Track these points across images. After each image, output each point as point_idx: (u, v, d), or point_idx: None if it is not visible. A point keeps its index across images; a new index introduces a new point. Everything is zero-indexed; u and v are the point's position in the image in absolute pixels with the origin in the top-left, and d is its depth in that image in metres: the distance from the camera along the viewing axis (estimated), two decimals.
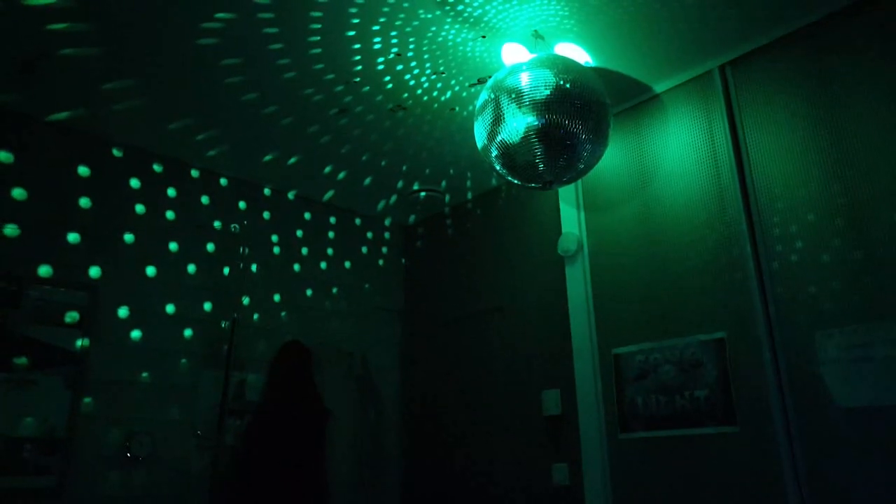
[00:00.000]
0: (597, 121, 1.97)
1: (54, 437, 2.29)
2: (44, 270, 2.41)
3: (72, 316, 2.43)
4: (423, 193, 3.20)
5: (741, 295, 2.03)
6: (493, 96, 1.99)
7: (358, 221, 3.50)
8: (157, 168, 2.80)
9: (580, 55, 2.22)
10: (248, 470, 2.41)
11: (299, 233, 3.22)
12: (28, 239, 2.39)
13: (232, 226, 2.95)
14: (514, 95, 1.93)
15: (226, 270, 2.89)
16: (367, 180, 3.11)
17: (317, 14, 1.99)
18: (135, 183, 2.72)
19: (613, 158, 2.53)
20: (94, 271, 2.53)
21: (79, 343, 2.42)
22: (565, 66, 1.96)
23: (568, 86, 1.91)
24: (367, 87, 2.37)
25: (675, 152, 2.34)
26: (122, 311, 2.56)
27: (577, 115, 1.92)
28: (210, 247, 2.87)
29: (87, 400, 2.40)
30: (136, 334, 2.58)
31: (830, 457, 1.76)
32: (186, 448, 2.59)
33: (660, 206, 2.33)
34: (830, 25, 2.00)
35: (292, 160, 2.90)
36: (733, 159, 2.14)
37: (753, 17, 2.03)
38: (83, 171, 2.59)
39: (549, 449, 2.54)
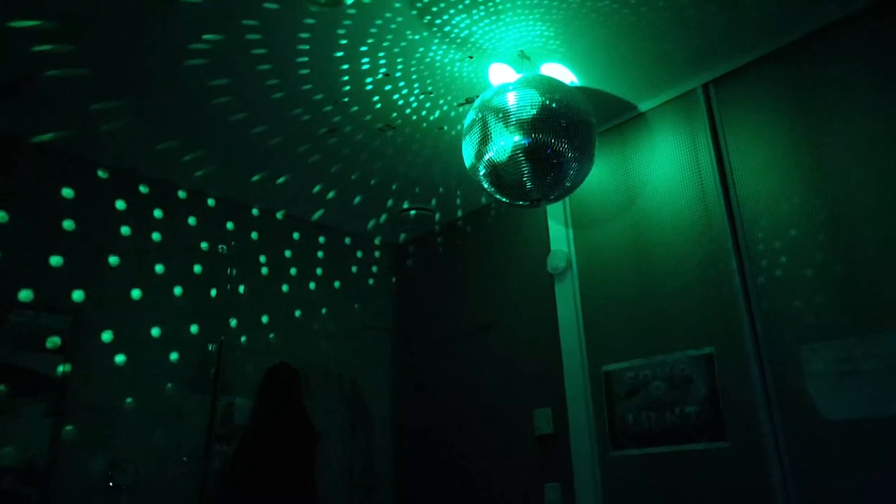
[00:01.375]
0: (583, 139, 1.99)
1: (34, 466, 2.22)
2: (25, 294, 2.36)
3: (53, 341, 2.37)
4: (413, 212, 3.20)
5: (728, 310, 2.05)
6: (480, 116, 2.01)
7: (347, 240, 3.48)
8: (143, 189, 2.77)
9: (566, 75, 2.25)
10: (237, 496, 2.36)
11: (288, 253, 3.19)
12: (9, 262, 2.35)
13: (219, 247, 2.92)
14: (501, 115, 1.95)
15: (213, 292, 2.85)
16: (357, 199, 3.11)
17: (305, 35, 2.01)
18: (120, 205, 2.69)
19: (600, 176, 2.56)
20: (78, 295, 2.48)
21: (60, 369, 2.37)
22: (551, 86, 1.98)
23: (554, 105, 1.94)
24: (356, 107, 2.39)
25: (660, 169, 2.37)
26: (106, 336, 2.51)
27: (564, 133, 1.95)
28: (197, 268, 2.84)
29: (68, 427, 2.34)
30: (120, 359, 2.52)
31: (819, 470, 1.76)
32: (172, 475, 2.52)
33: (647, 222, 2.36)
34: (812, 43, 2.05)
35: (281, 180, 2.89)
36: (718, 176, 2.17)
37: (735, 35, 2.08)
38: (67, 192, 2.56)
39: (541, 468, 2.51)
